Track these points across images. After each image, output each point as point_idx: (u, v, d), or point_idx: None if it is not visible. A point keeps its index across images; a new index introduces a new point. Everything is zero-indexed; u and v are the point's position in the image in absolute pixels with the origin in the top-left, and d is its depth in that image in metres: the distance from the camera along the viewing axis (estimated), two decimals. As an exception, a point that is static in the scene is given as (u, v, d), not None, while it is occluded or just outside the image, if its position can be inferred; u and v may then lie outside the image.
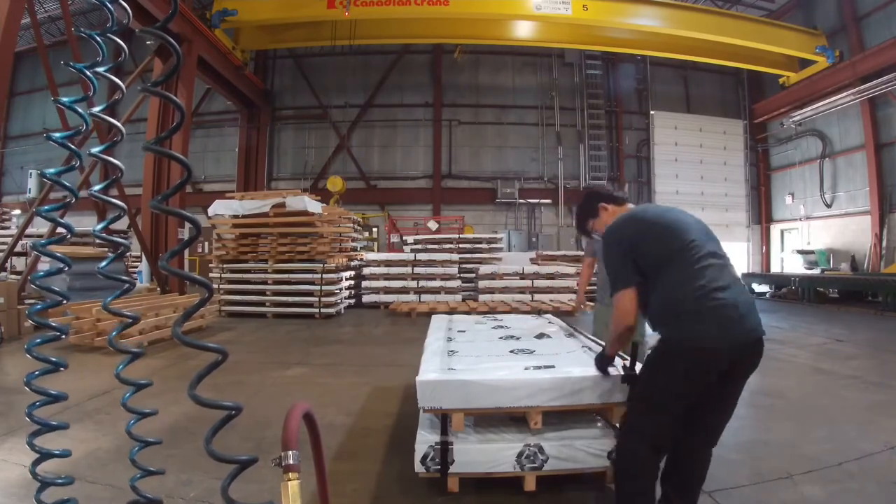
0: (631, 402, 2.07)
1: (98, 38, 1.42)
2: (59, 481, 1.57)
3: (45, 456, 1.52)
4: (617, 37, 13.48)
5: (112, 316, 5.49)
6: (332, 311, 8.83)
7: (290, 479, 1.10)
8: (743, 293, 1.88)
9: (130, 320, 1.61)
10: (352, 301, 10.13)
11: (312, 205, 8.82)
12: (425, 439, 2.29)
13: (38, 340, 1.47)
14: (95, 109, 1.42)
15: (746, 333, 1.79)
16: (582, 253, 13.06)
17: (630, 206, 2.35)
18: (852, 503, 2.33)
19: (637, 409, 1.98)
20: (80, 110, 1.49)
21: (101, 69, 1.43)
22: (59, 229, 1.56)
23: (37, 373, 1.47)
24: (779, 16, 14.96)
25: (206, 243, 12.35)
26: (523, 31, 13.70)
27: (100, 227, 1.53)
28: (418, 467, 2.27)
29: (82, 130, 1.61)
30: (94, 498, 2.25)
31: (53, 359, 1.48)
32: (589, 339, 3.16)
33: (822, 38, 13.66)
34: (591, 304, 4.26)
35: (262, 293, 8.83)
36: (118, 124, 1.49)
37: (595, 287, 4.00)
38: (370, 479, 2.54)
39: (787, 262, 15.46)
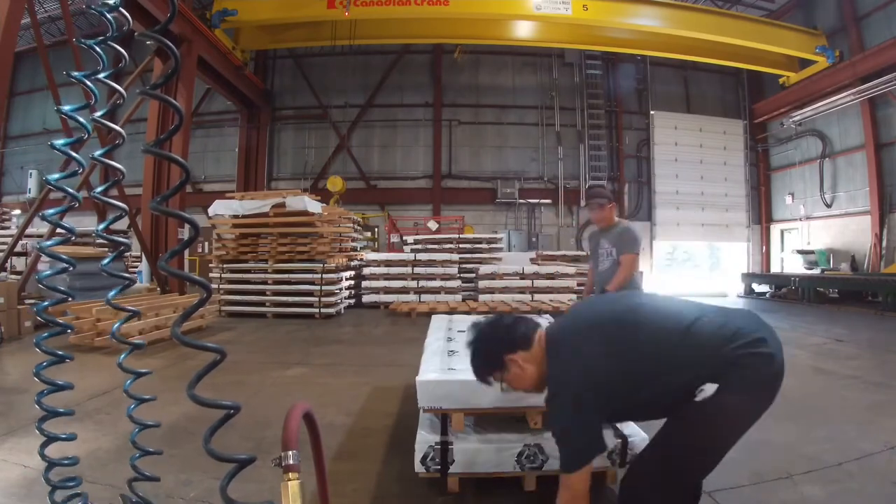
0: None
1: (97, 48, 1.43)
2: (66, 462, 1.66)
3: (51, 439, 1.60)
4: (617, 37, 13.48)
5: (112, 315, 5.51)
6: (332, 311, 8.83)
7: (290, 479, 1.10)
8: None
9: (132, 313, 1.65)
10: (352, 301, 10.13)
11: (312, 205, 8.82)
12: (425, 439, 2.29)
13: (46, 334, 1.54)
14: (96, 115, 1.43)
15: None
16: (583, 253, 13.07)
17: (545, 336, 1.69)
18: (852, 503, 2.33)
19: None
20: (81, 119, 1.51)
21: (101, 75, 1.44)
22: (61, 230, 1.59)
23: (45, 364, 1.55)
24: (779, 16, 14.96)
25: (206, 243, 12.35)
26: (523, 31, 13.70)
27: (101, 227, 1.55)
28: (418, 467, 2.27)
29: (84, 138, 1.63)
30: (94, 498, 2.24)
31: (60, 352, 1.55)
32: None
33: (822, 38, 13.66)
34: None
35: (262, 293, 8.83)
36: (119, 129, 1.50)
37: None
38: (370, 479, 2.54)
39: (787, 262, 15.46)
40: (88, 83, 1.44)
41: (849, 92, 12.82)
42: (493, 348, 1.68)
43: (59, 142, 1.43)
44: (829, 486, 2.44)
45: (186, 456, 2.68)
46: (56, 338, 1.59)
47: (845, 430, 3.23)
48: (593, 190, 4.00)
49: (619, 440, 2.30)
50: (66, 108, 1.45)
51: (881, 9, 12.59)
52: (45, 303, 1.61)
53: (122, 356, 1.62)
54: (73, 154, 1.48)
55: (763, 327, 1.74)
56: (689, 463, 1.67)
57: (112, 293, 1.64)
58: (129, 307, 1.69)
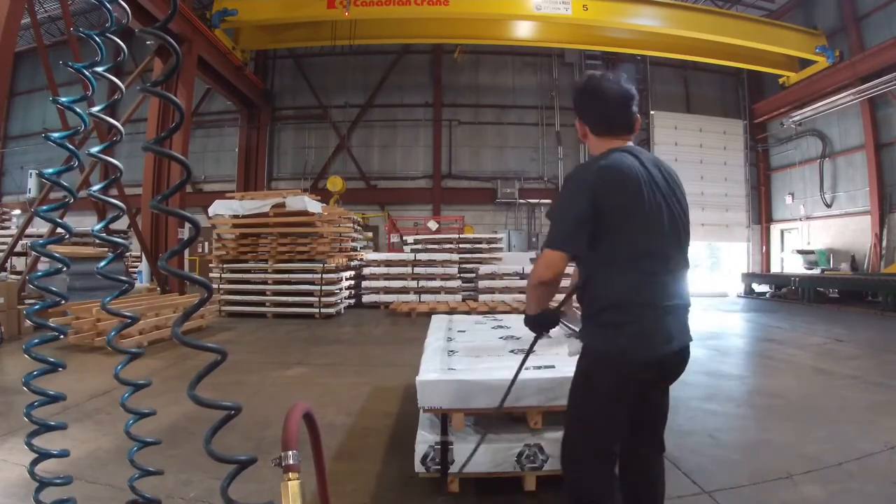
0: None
1: (97, 39, 1.42)
2: (58, 481, 1.58)
3: (43, 456, 1.53)
4: (617, 37, 13.48)
5: (112, 316, 5.51)
6: (332, 311, 8.83)
7: (290, 479, 1.10)
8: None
9: (129, 320, 1.61)
10: (352, 301, 10.13)
11: (312, 205, 8.82)
12: (425, 439, 2.29)
13: (37, 341, 1.48)
14: (95, 109, 1.42)
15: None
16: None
17: (630, 144, 1.68)
18: (852, 503, 2.33)
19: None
20: (78, 110, 1.50)
21: (100, 69, 1.44)
22: (59, 229, 1.56)
23: (35, 373, 1.48)
24: (779, 16, 14.96)
25: (206, 243, 12.35)
26: (523, 31, 13.70)
27: (99, 226, 1.53)
28: (418, 467, 2.27)
29: (81, 131, 1.62)
30: (94, 498, 2.25)
31: (52, 359, 1.48)
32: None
33: (822, 38, 13.66)
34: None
35: (262, 293, 8.83)
36: (117, 124, 1.49)
37: None
38: (370, 479, 2.54)
39: (787, 262, 15.46)
40: (87, 73, 1.43)
41: (849, 92, 12.82)
42: (581, 102, 1.73)
43: (55, 134, 1.42)
44: (829, 486, 2.44)
45: (186, 456, 2.68)
46: (53, 340, 1.53)
47: (845, 430, 3.23)
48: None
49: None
50: (63, 98, 1.44)
51: (881, 9, 12.59)
52: (37, 306, 1.57)
53: (119, 367, 1.54)
54: (69, 146, 1.46)
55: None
56: (576, 422, 1.70)
57: (108, 298, 1.62)
58: (127, 312, 1.64)
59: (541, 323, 1.77)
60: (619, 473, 1.71)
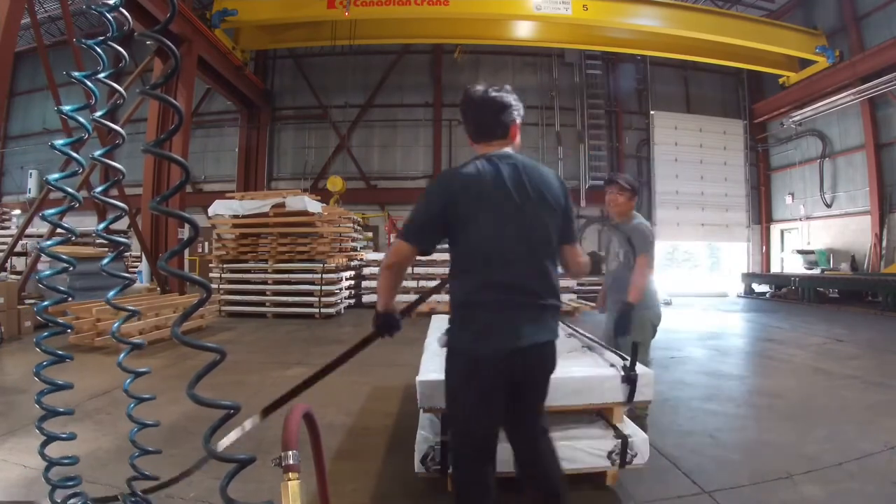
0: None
1: (97, 49, 1.43)
2: (66, 461, 1.67)
3: (51, 438, 1.61)
4: (617, 37, 13.47)
5: (112, 315, 5.51)
6: (332, 311, 8.83)
7: (290, 479, 1.10)
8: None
9: (131, 313, 1.66)
10: (352, 301, 10.13)
11: (312, 205, 8.82)
12: (425, 439, 2.29)
13: (47, 334, 1.55)
14: (96, 115, 1.44)
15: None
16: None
17: (504, 150, 1.76)
18: (852, 503, 2.33)
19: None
20: (81, 119, 1.52)
21: (101, 75, 1.44)
22: (61, 230, 1.60)
23: (45, 363, 1.55)
24: (779, 16, 14.95)
25: (206, 243, 12.35)
26: (523, 31, 13.69)
27: (101, 227, 1.55)
28: (418, 467, 2.27)
29: (84, 138, 1.63)
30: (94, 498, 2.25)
31: (60, 352, 1.56)
32: (589, 339, 3.15)
33: (822, 38, 13.65)
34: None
35: (262, 293, 8.83)
36: (119, 129, 1.50)
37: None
38: (370, 478, 2.54)
39: (787, 262, 15.45)
40: (89, 83, 1.44)
41: (849, 92, 12.82)
42: (461, 112, 1.87)
43: (59, 142, 1.43)
44: (829, 486, 2.44)
45: (186, 455, 2.67)
46: (56, 338, 1.60)
47: (845, 430, 3.24)
48: (614, 174, 3.66)
49: (619, 440, 2.29)
50: (66, 108, 1.46)
51: (881, 9, 12.59)
52: (45, 303, 1.61)
53: (122, 356, 1.62)
54: (73, 154, 1.48)
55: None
56: (448, 419, 1.81)
57: (111, 293, 1.64)
58: (129, 307, 1.69)
59: (385, 324, 1.81)
60: (516, 469, 1.83)
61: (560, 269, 1.82)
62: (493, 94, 1.75)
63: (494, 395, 1.67)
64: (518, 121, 1.78)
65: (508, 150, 1.76)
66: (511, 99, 1.76)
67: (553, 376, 2.30)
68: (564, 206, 1.76)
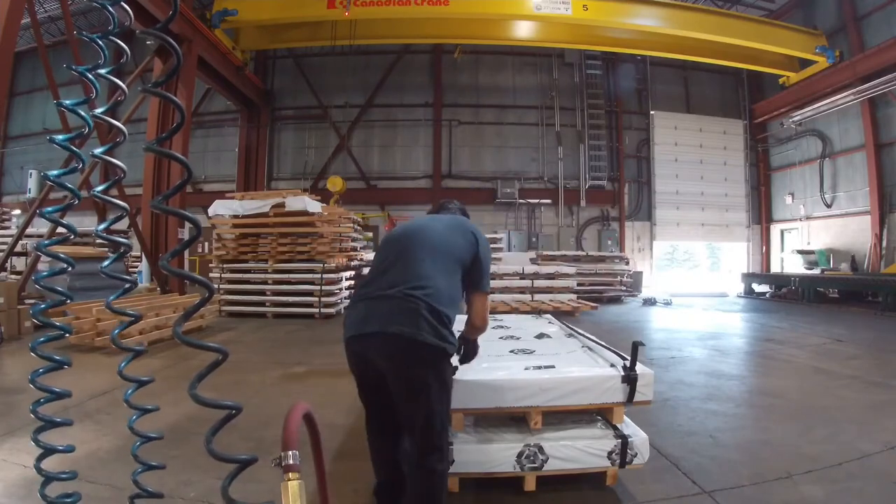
0: None
1: (99, 42, 1.43)
2: (64, 476, 1.60)
3: (48, 451, 1.54)
4: (617, 37, 13.47)
5: (113, 315, 5.51)
6: (332, 311, 8.83)
7: (290, 479, 1.10)
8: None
9: (132, 318, 1.62)
10: (352, 301, 10.11)
11: (312, 205, 8.82)
12: (425, 439, 2.29)
13: (42, 339, 1.49)
14: (97, 111, 1.43)
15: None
16: (583, 253, 13.08)
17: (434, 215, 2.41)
18: (852, 503, 2.33)
19: None
20: (82, 113, 1.50)
21: (102, 71, 1.44)
22: (61, 229, 1.57)
23: (41, 370, 1.49)
24: (779, 16, 14.96)
25: (206, 243, 12.34)
26: (523, 31, 13.69)
27: (101, 227, 1.54)
28: (418, 467, 2.26)
29: (84, 133, 1.63)
30: (94, 497, 2.25)
31: (57, 357, 1.49)
32: (589, 339, 3.16)
33: (822, 38, 13.65)
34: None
35: (262, 293, 8.83)
36: (120, 125, 1.50)
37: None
38: (370, 479, 2.54)
39: (787, 262, 15.46)
40: (90, 76, 1.44)
41: (849, 92, 12.82)
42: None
43: (59, 137, 1.43)
44: (829, 486, 2.44)
45: (187, 456, 2.68)
46: (54, 339, 1.55)
47: (845, 430, 3.24)
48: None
49: (619, 440, 2.30)
50: (66, 101, 1.45)
51: (881, 9, 12.59)
52: (42, 305, 1.58)
53: (123, 363, 1.56)
54: (74, 149, 1.47)
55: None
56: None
57: (112, 297, 1.63)
58: (130, 311, 1.65)
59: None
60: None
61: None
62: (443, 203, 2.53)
63: (370, 388, 1.98)
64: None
65: (437, 215, 2.37)
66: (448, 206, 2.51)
67: (553, 376, 2.31)
68: (461, 241, 2.09)
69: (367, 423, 2.07)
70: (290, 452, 1.11)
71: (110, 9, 1.36)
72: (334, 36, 13.01)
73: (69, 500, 1.63)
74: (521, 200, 15.52)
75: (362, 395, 2.03)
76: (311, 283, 8.71)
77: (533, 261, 11.60)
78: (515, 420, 2.43)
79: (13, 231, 10.62)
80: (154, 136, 9.75)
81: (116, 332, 1.74)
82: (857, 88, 12.57)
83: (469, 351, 2.22)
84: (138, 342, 5.61)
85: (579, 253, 13.29)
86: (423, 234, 2.03)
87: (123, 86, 1.47)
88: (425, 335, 1.76)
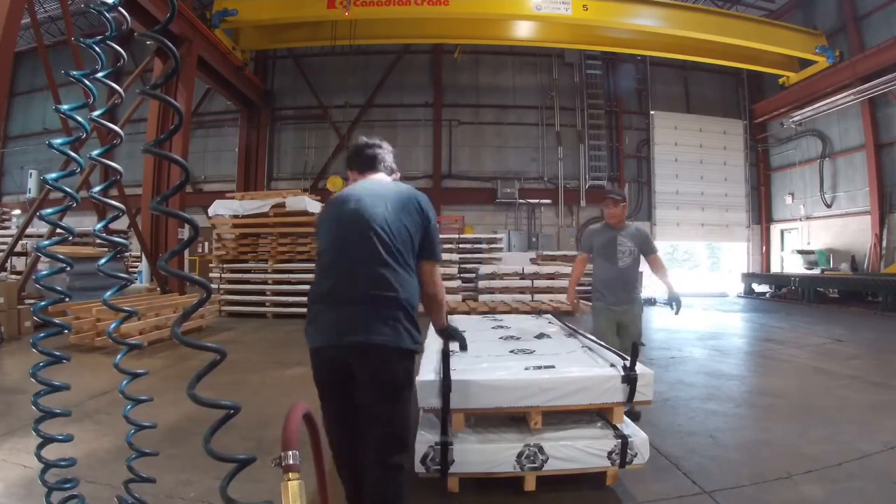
0: None
1: (96, 48, 1.43)
2: (63, 463, 1.65)
3: (47, 440, 1.60)
4: (617, 37, 13.47)
5: (112, 315, 5.51)
6: (332, 311, 8.81)
7: (290, 479, 1.10)
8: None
9: (128, 314, 1.65)
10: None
11: (312, 205, 8.83)
12: (425, 439, 2.29)
13: (43, 335, 1.54)
14: (95, 114, 1.43)
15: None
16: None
17: (360, 181, 2.07)
18: (852, 503, 2.33)
19: None
20: (79, 118, 1.51)
21: (100, 74, 1.44)
22: (60, 230, 1.59)
23: (41, 364, 1.54)
24: (779, 16, 14.95)
25: (206, 243, 12.34)
26: (523, 31, 13.69)
27: (99, 226, 1.54)
28: (418, 467, 2.27)
29: (82, 137, 1.63)
30: (94, 497, 2.24)
31: (57, 353, 1.54)
32: (589, 339, 3.15)
33: (822, 38, 13.65)
34: (587, 303, 4.25)
35: (262, 293, 8.83)
36: (117, 129, 1.50)
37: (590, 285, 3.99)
38: (370, 479, 2.54)
39: (787, 262, 15.46)
40: (87, 82, 1.44)
41: (849, 92, 12.81)
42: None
43: (57, 141, 1.43)
44: (829, 486, 2.44)
45: (186, 456, 2.68)
46: (54, 338, 1.59)
47: (845, 430, 3.24)
48: (607, 191, 4.26)
49: (619, 440, 2.29)
50: (64, 107, 1.45)
51: (881, 9, 12.59)
52: (42, 303, 1.61)
53: (119, 356, 1.61)
54: (72, 153, 1.48)
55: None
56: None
57: (109, 293, 1.64)
58: (127, 307, 1.68)
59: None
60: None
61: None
62: (365, 139, 2.18)
63: (339, 395, 1.92)
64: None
65: (374, 177, 2.11)
66: (371, 141, 2.17)
67: (553, 376, 2.31)
68: (409, 221, 1.92)
69: (329, 431, 1.95)
70: (290, 452, 1.11)
71: (107, 15, 1.36)
72: (334, 36, 13.01)
73: (68, 485, 1.68)
74: (521, 200, 15.51)
75: (327, 404, 1.94)
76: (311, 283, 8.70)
77: (533, 261, 11.59)
78: (515, 420, 2.43)
79: (13, 231, 10.62)
80: (153, 136, 9.75)
81: (113, 326, 1.76)
82: (857, 88, 12.57)
83: (457, 338, 2.19)
84: (138, 341, 5.61)
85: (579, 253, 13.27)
86: (368, 224, 1.83)
87: (120, 90, 1.47)
88: (407, 342, 1.82)
